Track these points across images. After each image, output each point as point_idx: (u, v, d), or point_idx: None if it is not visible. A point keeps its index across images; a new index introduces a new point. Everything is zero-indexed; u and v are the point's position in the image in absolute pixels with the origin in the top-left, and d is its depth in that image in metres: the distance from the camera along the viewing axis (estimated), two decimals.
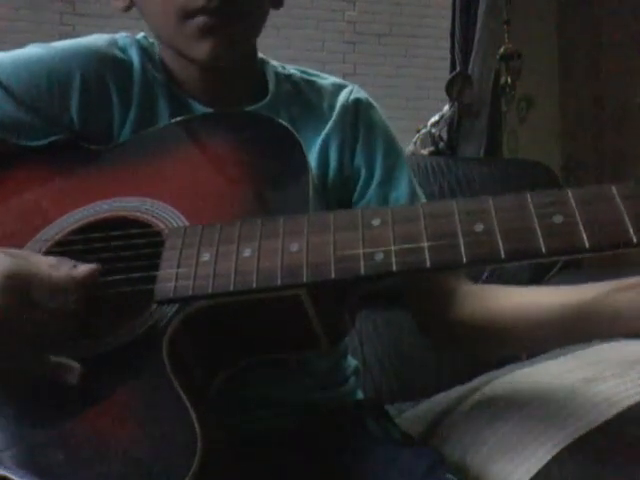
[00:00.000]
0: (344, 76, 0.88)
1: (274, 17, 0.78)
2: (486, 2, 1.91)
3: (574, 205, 0.50)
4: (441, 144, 1.92)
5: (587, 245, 0.48)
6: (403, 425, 0.81)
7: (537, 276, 1.36)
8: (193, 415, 0.50)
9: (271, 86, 0.81)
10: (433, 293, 0.77)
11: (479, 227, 0.51)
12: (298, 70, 0.86)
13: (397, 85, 3.34)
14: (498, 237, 0.50)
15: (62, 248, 0.64)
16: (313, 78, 0.85)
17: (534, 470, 0.64)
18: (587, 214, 0.49)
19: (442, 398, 0.91)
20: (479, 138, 1.94)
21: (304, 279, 0.54)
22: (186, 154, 0.71)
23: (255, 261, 0.56)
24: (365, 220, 0.55)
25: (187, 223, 0.62)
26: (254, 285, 0.55)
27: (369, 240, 0.54)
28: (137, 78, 0.77)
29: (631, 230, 0.48)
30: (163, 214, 0.64)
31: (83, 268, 0.56)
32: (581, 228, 0.49)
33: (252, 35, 0.77)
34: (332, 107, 0.81)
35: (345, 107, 0.81)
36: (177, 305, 0.57)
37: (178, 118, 0.74)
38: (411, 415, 0.93)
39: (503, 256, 0.50)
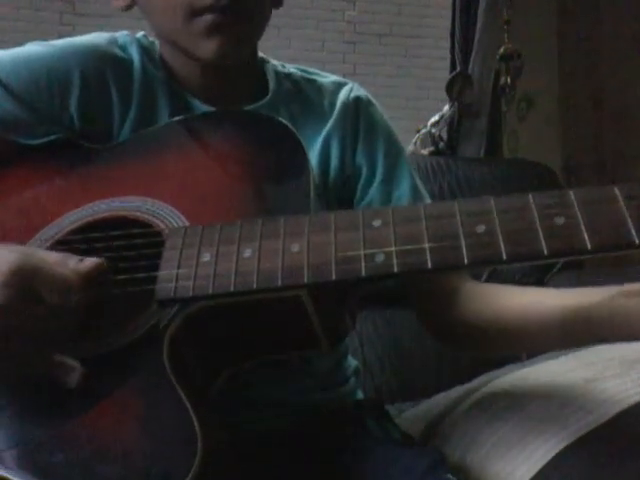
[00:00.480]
0: (344, 76, 0.88)
1: (274, 17, 0.79)
2: (486, 2, 1.91)
3: (576, 206, 0.50)
4: (441, 144, 1.92)
5: (589, 246, 0.48)
6: (403, 425, 0.81)
7: (537, 276, 1.36)
8: (193, 415, 0.50)
9: (271, 85, 0.81)
10: (435, 293, 0.77)
11: (481, 228, 0.51)
12: (298, 69, 0.86)
13: (397, 85, 3.35)
14: (500, 238, 0.50)
15: (62, 248, 0.64)
16: (313, 76, 0.85)
17: (534, 470, 0.64)
18: (589, 215, 0.49)
19: (442, 398, 0.91)
20: (479, 138, 1.94)
21: (305, 280, 0.54)
22: (186, 153, 0.71)
23: (256, 262, 0.56)
24: (366, 221, 0.55)
25: (187, 223, 0.62)
26: (254, 286, 0.55)
27: (370, 241, 0.54)
28: (137, 76, 0.76)
29: (633, 232, 0.48)
30: (163, 214, 0.64)
31: (88, 262, 0.56)
32: (583, 229, 0.49)
33: (257, 34, 0.77)
34: (332, 105, 0.81)
35: (346, 105, 0.81)
36: (178, 305, 0.57)
37: (178, 117, 0.74)
38: (411, 415, 0.93)
39: (505, 257, 0.50)
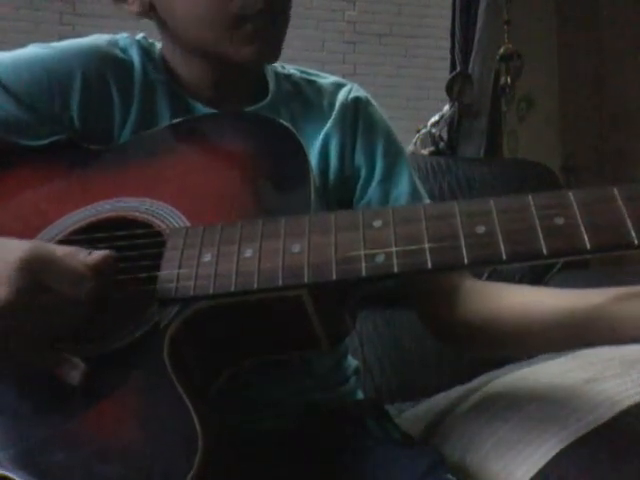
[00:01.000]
0: (344, 76, 0.88)
1: None
2: (486, 2, 1.91)
3: (575, 207, 0.50)
4: (441, 144, 1.92)
5: (588, 247, 0.48)
6: (403, 425, 0.81)
7: (537, 276, 1.36)
8: (194, 415, 0.50)
9: (271, 86, 0.81)
10: (435, 292, 0.77)
11: (480, 229, 0.51)
12: (298, 70, 0.86)
13: (397, 85, 3.34)
14: (499, 239, 0.51)
15: None
16: (313, 77, 0.86)
17: (534, 470, 0.64)
18: (588, 216, 0.49)
19: (442, 398, 0.91)
20: (479, 138, 1.94)
21: (305, 280, 0.54)
22: (187, 154, 0.71)
23: (256, 262, 0.56)
24: (366, 221, 0.55)
25: (188, 224, 0.62)
26: (255, 286, 0.55)
27: (370, 241, 0.54)
28: (138, 78, 0.77)
29: (632, 232, 0.48)
30: (164, 214, 0.64)
31: (97, 254, 0.57)
32: (582, 230, 0.49)
33: (285, 37, 0.77)
34: (332, 106, 0.82)
35: (345, 105, 0.81)
36: (178, 305, 0.57)
37: (179, 119, 0.74)
38: (411, 415, 0.93)
39: (504, 258, 0.50)
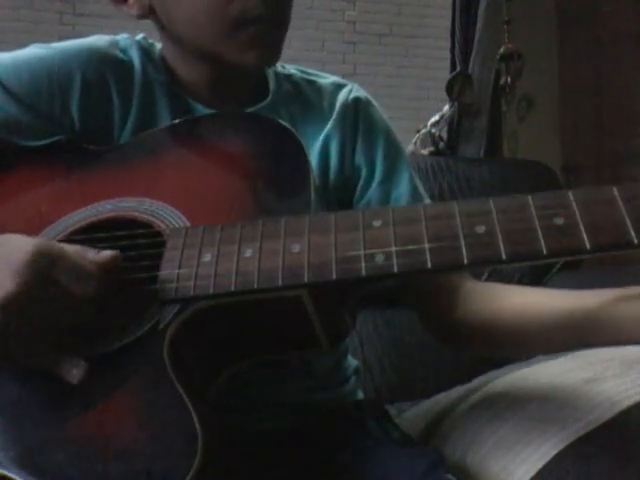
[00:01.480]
0: (344, 76, 0.88)
1: None
2: (486, 2, 1.91)
3: (575, 207, 0.50)
4: (441, 144, 1.92)
5: (588, 246, 0.48)
6: (403, 425, 0.81)
7: (537, 276, 1.37)
8: (194, 415, 0.50)
9: (272, 86, 0.81)
10: (435, 292, 0.77)
11: (480, 229, 0.51)
12: (298, 70, 0.86)
13: (397, 85, 3.34)
14: (499, 239, 0.51)
15: None
16: (313, 78, 0.86)
17: (534, 470, 0.64)
18: (588, 215, 0.49)
19: (442, 398, 0.91)
20: (479, 138, 1.94)
21: (305, 280, 0.54)
22: (187, 155, 0.71)
23: (256, 261, 0.56)
24: (366, 221, 0.55)
25: (188, 224, 0.62)
26: (255, 285, 0.55)
27: (370, 241, 0.54)
28: (138, 79, 0.77)
29: (632, 231, 0.48)
30: (164, 214, 0.64)
31: (105, 253, 0.57)
32: (582, 229, 0.49)
33: (284, 40, 0.77)
34: (332, 106, 0.82)
35: (345, 106, 0.81)
36: (178, 305, 0.57)
37: (179, 119, 0.74)
38: (411, 415, 0.93)
39: (504, 257, 0.50)
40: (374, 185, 0.80)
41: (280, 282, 0.54)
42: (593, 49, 2.28)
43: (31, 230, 0.66)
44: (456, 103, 1.92)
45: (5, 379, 0.57)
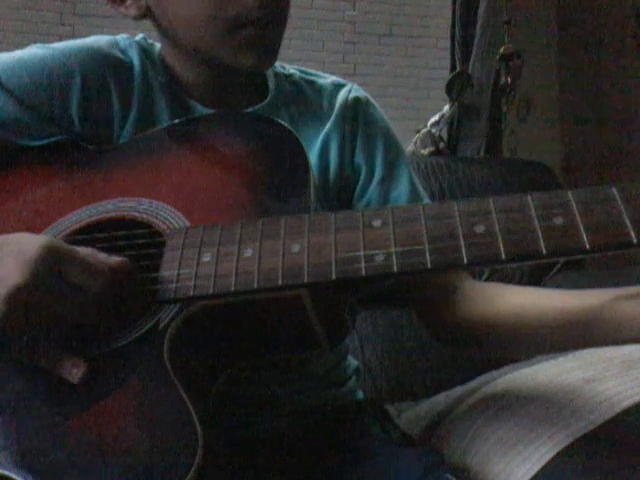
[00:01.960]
0: (344, 76, 0.88)
1: None
2: (486, 2, 1.91)
3: (574, 206, 0.50)
4: (441, 144, 1.92)
5: (587, 246, 0.48)
6: (403, 425, 0.81)
7: (537, 276, 1.37)
8: (194, 415, 0.50)
9: (271, 86, 0.81)
10: (434, 293, 0.77)
11: (480, 228, 0.51)
12: (298, 70, 0.86)
13: (397, 85, 3.34)
14: (499, 238, 0.51)
15: None
16: (313, 77, 0.86)
17: (534, 470, 0.64)
18: (587, 215, 0.49)
19: (442, 398, 0.91)
20: (479, 138, 1.94)
21: (305, 280, 0.54)
22: (187, 155, 0.71)
23: (256, 261, 0.56)
24: (366, 221, 0.55)
25: (188, 224, 0.63)
26: (255, 285, 0.55)
27: (370, 241, 0.54)
28: (137, 79, 0.77)
29: (631, 231, 0.48)
30: (164, 214, 0.64)
31: (117, 257, 0.58)
32: (581, 229, 0.49)
33: (281, 42, 0.78)
34: (332, 106, 0.82)
35: (344, 106, 0.81)
36: (178, 305, 0.57)
37: (179, 119, 0.74)
38: (411, 415, 0.93)
39: (504, 257, 0.50)
40: (373, 185, 0.80)
41: (280, 282, 0.54)
42: (593, 49, 2.28)
43: (31, 230, 0.66)
44: (456, 103, 1.92)
45: (5, 379, 0.57)
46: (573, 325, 0.65)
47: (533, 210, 0.51)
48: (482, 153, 1.93)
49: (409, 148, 1.93)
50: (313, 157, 0.78)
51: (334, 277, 0.53)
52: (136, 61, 0.77)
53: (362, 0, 3.42)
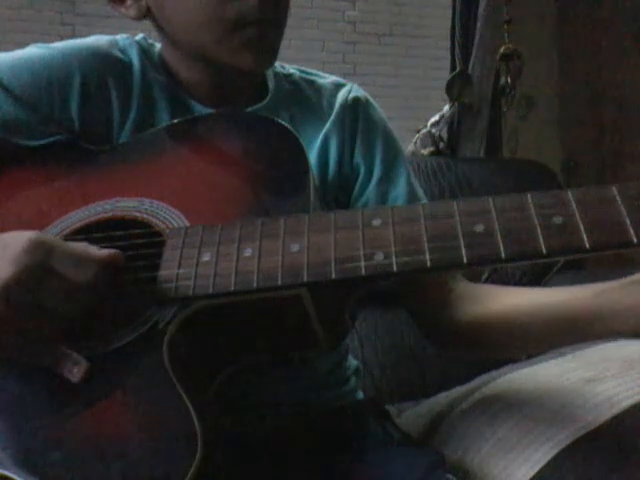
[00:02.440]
0: (344, 76, 0.89)
1: None
2: (486, 2, 1.91)
3: (574, 206, 0.50)
4: (441, 144, 1.92)
5: (587, 245, 0.48)
6: (403, 425, 0.81)
7: (537, 276, 1.37)
8: (194, 415, 0.50)
9: (271, 86, 0.81)
10: (431, 295, 0.77)
11: (480, 228, 0.51)
12: (297, 70, 0.86)
13: (397, 85, 3.34)
14: (499, 238, 0.51)
15: None
16: (312, 77, 0.86)
17: (534, 470, 0.64)
18: (587, 215, 0.49)
19: (442, 398, 0.91)
20: (479, 138, 1.94)
21: (304, 279, 0.54)
22: (187, 155, 0.71)
23: (256, 261, 0.56)
24: (366, 220, 0.55)
25: (188, 223, 0.63)
26: (255, 285, 0.55)
27: (369, 240, 0.54)
28: (137, 79, 0.77)
29: (631, 230, 0.48)
30: (163, 214, 0.64)
31: (108, 249, 0.58)
32: (581, 229, 0.49)
33: (280, 43, 0.78)
34: (331, 106, 0.82)
35: (344, 106, 0.82)
36: (178, 305, 0.57)
37: (179, 119, 0.74)
38: (411, 415, 0.93)
39: (503, 257, 0.50)
40: (372, 185, 0.80)
41: (279, 282, 0.54)
42: (593, 49, 2.28)
43: (31, 230, 0.66)
44: (456, 103, 1.92)
45: (5, 379, 0.57)
46: (569, 318, 0.65)
47: (533, 209, 0.51)
48: (482, 153, 1.93)
49: (409, 148, 1.93)
50: (312, 157, 0.78)
51: (334, 276, 0.53)
52: (136, 61, 0.77)
53: (362, 0, 3.42)
